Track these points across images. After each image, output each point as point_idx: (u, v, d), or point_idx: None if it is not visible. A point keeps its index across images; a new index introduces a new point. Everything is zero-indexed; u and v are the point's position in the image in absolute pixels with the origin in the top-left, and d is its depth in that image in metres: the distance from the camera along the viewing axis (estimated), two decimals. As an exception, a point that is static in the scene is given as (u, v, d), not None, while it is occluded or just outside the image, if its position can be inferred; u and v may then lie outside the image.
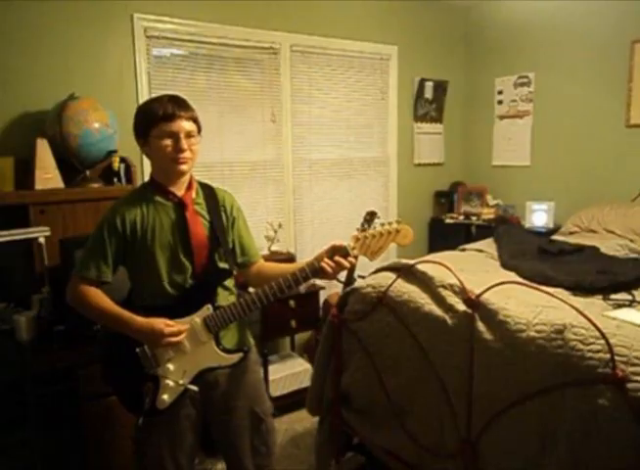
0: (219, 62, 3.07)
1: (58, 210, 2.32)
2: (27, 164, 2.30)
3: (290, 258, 3.08)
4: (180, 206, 1.58)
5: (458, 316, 1.74)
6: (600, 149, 3.46)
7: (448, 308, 1.78)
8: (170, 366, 1.53)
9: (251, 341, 1.76)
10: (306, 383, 2.48)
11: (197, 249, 1.58)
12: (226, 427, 1.67)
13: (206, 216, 1.62)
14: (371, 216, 3.19)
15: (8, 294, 2.28)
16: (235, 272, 1.69)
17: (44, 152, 2.29)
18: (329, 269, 1.51)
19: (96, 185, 2.49)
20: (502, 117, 4.04)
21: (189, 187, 1.62)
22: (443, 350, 1.77)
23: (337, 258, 1.52)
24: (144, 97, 2.80)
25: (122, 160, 2.56)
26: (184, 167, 1.55)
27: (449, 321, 1.76)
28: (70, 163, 2.38)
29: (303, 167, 3.50)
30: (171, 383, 1.53)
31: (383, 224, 1.55)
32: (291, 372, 3.01)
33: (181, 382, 1.54)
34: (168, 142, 1.50)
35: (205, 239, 1.60)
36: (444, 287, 1.84)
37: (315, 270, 1.53)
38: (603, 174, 3.45)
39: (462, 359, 1.69)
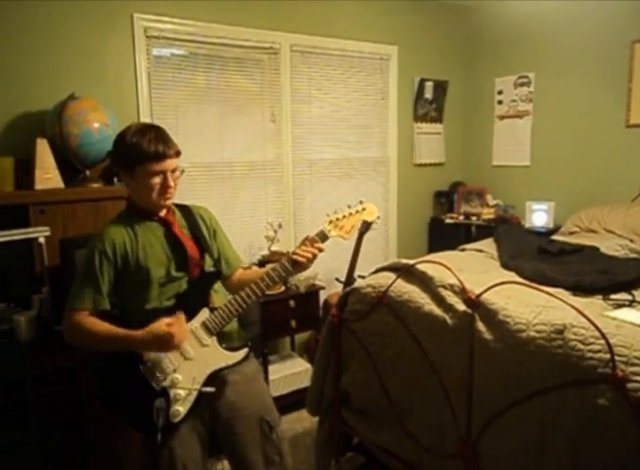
0: (219, 62, 3.07)
1: (58, 210, 2.32)
2: (27, 164, 2.30)
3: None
4: (164, 224, 1.65)
5: (458, 316, 1.73)
6: (600, 149, 3.46)
7: (448, 308, 1.78)
8: (178, 376, 1.54)
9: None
10: (306, 383, 2.48)
11: (191, 260, 1.65)
12: (235, 437, 1.65)
13: (190, 232, 1.70)
14: (371, 216, 3.18)
15: (8, 294, 2.28)
16: (223, 273, 1.77)
17: (44, 152, 2.29)
18: (300, 258, 1.60)
19: (96, 185, 2.49)
20: (502, 118, 4.04)
21: (168, 209, 1.69)
22: (443, 350, 1.77)
23: (303, 247, 1.62)
24: (144, 97, 2.81)
25: (122, 160, 2.56)
26: (169, 202, 1.63)
27: (449, 321, 1.76)
28: (70, 163, 2.38)
29: (303, 167, 3.50)
30: (183, 392, 1.53)
31: (349, 206, 1.74)
32: (291, 372, 3.01)
33: (193, 388, 1.54)
34: (157, 180, 1.55)
35: (195, 251, 1.67)
36: (444, 287, 1.84)
37: (292, 261, 1.61)
38: (603, 174, 3.45)
39: (462, 359, 1.69)
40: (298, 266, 1.63)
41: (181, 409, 1.53)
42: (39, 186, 2.28)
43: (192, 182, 3.04)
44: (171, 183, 1.57)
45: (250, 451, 1.65)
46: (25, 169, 2.30)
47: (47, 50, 2.52)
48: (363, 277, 2.27)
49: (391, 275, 2.03)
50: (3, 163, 2.26)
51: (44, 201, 2.28)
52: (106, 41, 2.68)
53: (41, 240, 2.19)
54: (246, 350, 1.63)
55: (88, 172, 2.47)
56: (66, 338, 1.57)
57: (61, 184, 2.34)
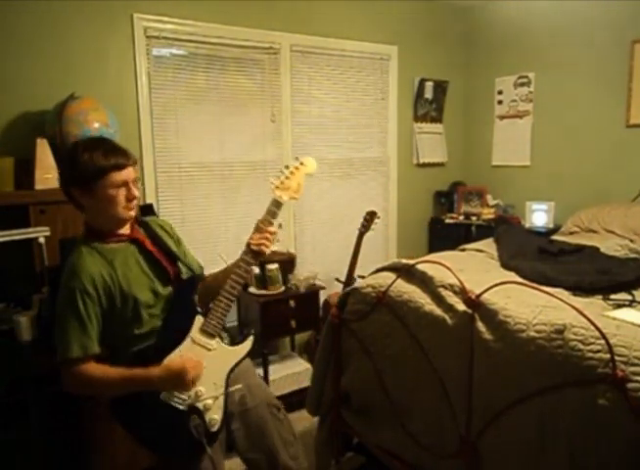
0: (219, 62, 3.07)
1: (58, 210, 2.32)
2: (27, 164, 2.29)
3: (290, 259, 3.08)
4: (135, 242, 1.61)
5: (458, 316, 1.73)
6: (600, 149, 3.46)
7: (448, 308, 1.78)
8: (201, 388, 1.53)
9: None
10: (306, 383, 2.48)
11: (170, 273, 1.63)
12: (249, 428, 1.68)
13: (156, 244, 1.66)
14: (371, 216, 3.21)
15: (8, 294, 2.28)
16: (201, 274, 1.78)
17: (44, 152, 2.28)
18: (256, 247, 1.62)
19: (96, 185, 2.49)
20: (502, 118, 4.04)
21: (132, 225, 1.64)
22: (443, 350, 1.77)
23: (256, 235, 1.64)
24: (144, 97, 2.80)
25: (122, 160, 2.56)
26: (133, 213, 1.57)
27: (449, 321, 1.76)
28: (70, 163, 2.38)
29: (303, 167, 3.49)
30: (211, 401, 1.53)
31: (287, 166, 1.76)
32: (291, 372, 3.01)
33: (219, 393, 1.55)
34: (121, 191, 1.50)
35: (169, 262, 1.65)
36: (444, 287, 1.84)
37: (251, 252, 1.63)
38: (603, 174, 3.45)
39: (462, 359, 1.69)
40: (258, 255, 1.64)
41: (216, 417, 1.53)
42: (39, 186, 2.28)
43: (192, 182, 3.04)
44: (136, 193, 1.53)
45: (267, 439, 1.69)
46: (25, 169, 2.30)
47: (47, 50, 2.52)
48: (363, 277, 2.27)
49: (391, 275, 2.03)
50: (3, 163, 2.26)
51: (44, 201, 2.28)
52: (106, 41, 2.68)
53: (41, 240, 2.19)
54: (251, 338, 1.63)
55: (88, 172, 2.47)
56: (68, 389, 1.50)
57: (61, 184, 2.34)
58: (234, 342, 1.64)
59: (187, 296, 1.65)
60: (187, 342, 1.55)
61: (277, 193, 1.70)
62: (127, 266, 1.55)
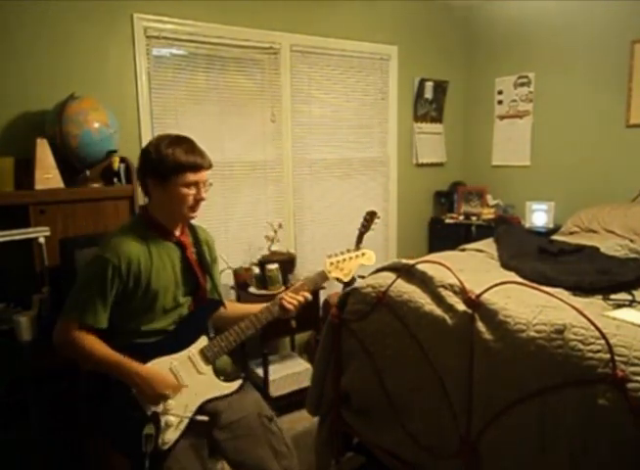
0: (219, 62, 3.07)
1: (58, 210, 2.32)
2: (27, 164, 2.30)
3: (290, 259, 3.08)
4: (180, 246, 1.63)
5: (458, 316, 1.73)
6: (600, 149, 3.46)
7: (448, 308, 1.78)
8: (171, 402, 1.51)
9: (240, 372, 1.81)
10: (306, 383, 2.48)
11: (199, 286, 1.65)
12: (238, 440, 1.64)
13: (197, 254, 1.69)
14: (371, 217, 3.21)
15: (8, 294, 2.28)
16: (225, 302, 1.77)
17: (44, 152, 2.29)
18: (287, 304, 1.66)
19: (96, 185, 2.49)
20: (502, 118, 4.04)
21: (183, 227, 1.67)
22: (443, 350, 1.77)
23: (291, 293, 1.69)
24: (144, 97, 2.80)
25: (122, 160, 2.56)
26: (195, 215, 1.61)
27: (449, 321, 1.76)
28: (70, 163, 2.38)
29: (303, 167, 3.50)
30: (174, 419, 1.50)
31: (349, 250, 1.87)
32: (291, 372, 3.00)
33: (185, 416, 1.51)
34: (191, 191, 1.54)
35: (202, 275, 1.67)
36: (444, 287, 1.84)
37: (279, 306, 1.67)
38: (603, 174, 3.45)
39: (462, 359, 1.69)
40: (284, 311, 1.68)
41: (171, 437, 1.49)
42: (39, 186, 2.28)
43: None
44: (204, 195, 1.58)
45: (257, 449, 1.64)
46: (25, 169, 2.30)
47: (47, 50, 2.52)
48: (363, 277, 2.27)
49: (391, 275, 2.03)
50: (3, 163, 2.26)
51: (44, 201, 2.28)
52: (106, 41, 2.68)
53: (41, 240, 2.20)
54: (240, 381, 1.64)
55: (88, 172, 2.47)
56: (55, 343, 1.52)
57: (61, 184, 2.34)
58: (226, 376, 1.64)
59: (204, 313, 1.67)
60: (183, 354, 1.55)
61: (328, 268, 1.79)
62: (163, 264, 1.57)
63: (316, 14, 3.39)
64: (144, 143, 2.79)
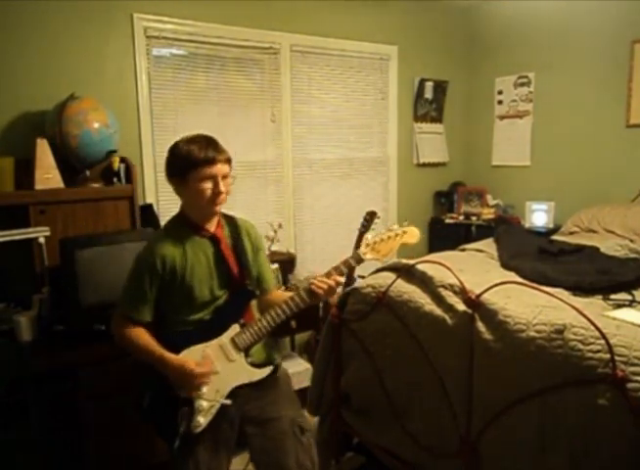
0: (219, 62, 3.07)
1: (58, 210, 2.32)
2: (27, 164, 2.29)
3: (290, 259, 3.08)
4: (214, 241, 1.66)
5: (458, 316, 1.73)
6: (600, 149, 3.45)
7: (448, 308, 1.78)
8: (203, 388, 1.55)
9: (279, 359, 1.79)
10: (306, 383, 2.48)
11: (233, 278, 1.66)
12: (267, 440, 1.64)
13: (234, 246, 1.70)
14: (371, 217, 3.21)
15: (8, 294, 2.28)
16: (257, 293, 1.77)
17: (44, 152, 2.29)
18: (317, 289, 1.61)
19: (96, 185, 2.49)
20: (502, 118, 4.04)
21: (218, 221, 1.71)
22: (443, 350, 1.77)
23: (321, 278, 1.62)
24: (144, 97, 2.81)
25: (122, 160, 2.56)
26: (219, 208, 1.64)
27: (449, 321, 1.76)
28: (70, 163, 2.38)
29: (304, 167, 3.50)
30: (205, 404, 1.55)
31: (390, 229, 1.70)
32: (291, 372, 2.98)
33: (216, 401, 1.56)
34: (208, 185, 1.57)
35: (237, 268, 1.68)
36: (444, 287, 1.84)
37: (309, 291, 1.63)
38: (603, 174, 3.45)
39: (462, 359, 1.69)
40: (314, 296, 1.63)
41: (202, 421, 1.54)
42: (39, 186, 2.28)
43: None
44: (222, 188, 1.59)
45: (283, 456, 1.63)
46: (25, 169, 2.30)
47: (47, 50, 2.52)
48: (363, 277, 2.27)
49: (391, 275, 2.03)
50: (3, 163, 2.26)
51: (44, 201, 2.28)
52: (106, 41, 2.68)
53: (41, 240, 2.20)
54: (270, 367, 1.66)
55: (88, 172, 2.47)
56: (112, 332, 1.63)
57: (61, 184, 2.34)
58: (257, 365, 1.65)
59: (238, 303, 1.68)
60: (215, 343, 1.59)
61: (363, 250, 1.68)
62: (197, 259, 1.61)
63: (316, 14, 3.39)
64: (144, 143, 2.82)
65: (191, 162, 1.55)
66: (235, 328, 1.61)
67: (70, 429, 2.11)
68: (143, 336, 1.57)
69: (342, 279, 1.65)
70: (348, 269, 1.67)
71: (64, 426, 2.11)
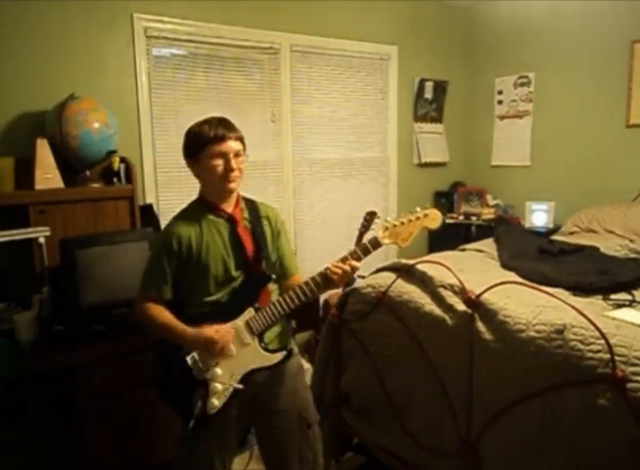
0: (219, 62, 3.07)
1: (58, 210, 2.32)
2: (27, 164, 2.30)
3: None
4: (230, 221, 1.66)
5: (458, 316, 1.74)
6: (600, 149, 3.46)
7: (448, 308, 1.78)
8: (218, 370, 1.57)
9: (295, 347, 1.79)
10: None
11: (248, 260, 1.66)
12: (273, 430, 1.69)
13: (253, 230, 1.70)
14: (371, 216, 3.21)
15: (8, 294, 2.28)
16: (274, 277, 1.75)
17: (44, 152, 2.29)
18: (331, 274, 1.57)
19: (96, 185, 2.49)
20: (502, 118, 4.04)
21: (236, 203, 1.70)
22: (443, 350, 1.77)
23: (336, 263, 1.58)
24: (144, 97, 2.81)
25: (122, 160, 2.56)
26: (233, 185, 1.64)
27: (449, 321, 1.76)
28: (70, 163, 2.38)
29: (304, 167, 3.50)
30: (220, 386, 1.57)
31: (411, 212, 1.62)
32: (291, 372, 3.00)
33: (230, 384, 1.57)
34: (219, 162, 1.59)
35: (254, 251, 1.68)
36: (444, 287, 1.84)
37: (324, 276, 1.60)
38: (603, 174, 3.45)
39: (462, 359, 1.69)
40: (329, 281, 1.60)
41: (217, 403, 1.56)
42: (39, 186, 2.28)
43: (192, 182, 3.02)
44: (234, 165, 1.60)
45: (285, 447, 1.69)
46: (25, 169, 2.30)
47: (47, 50, 2.52)
48: (363, 277, 2.27)
49: (391, 275, 2.04)
50: (3, 163, 2.26)
51: (44, 201, 2.28)
52: (106, 41, 2.68)
53: (41, 240, 2.20)
54: (284, 352, 1.65)
55: (88, 172, 2.47)
56: (134, 317, 1.68)
57: (61, 184, 2.34)
58: (271, 350, 1.65)
59: (254, 287, 1.67)
60: (229, 326, 1.59)
61: (381, 234, 1.60)
62: (213, 239, 1.63)
63: (316, 14, 3.39)
64: (144, 143, 2.82)
65: (202, 140, 1.59)
66: (250, 312, 1.61)
67: (70, 429, 2.11)
68: (164, 313, 1.60)
69: (359, 264, 1.59)
70: (365, 255, 1.61)
71: (63, 426, 2.11)
